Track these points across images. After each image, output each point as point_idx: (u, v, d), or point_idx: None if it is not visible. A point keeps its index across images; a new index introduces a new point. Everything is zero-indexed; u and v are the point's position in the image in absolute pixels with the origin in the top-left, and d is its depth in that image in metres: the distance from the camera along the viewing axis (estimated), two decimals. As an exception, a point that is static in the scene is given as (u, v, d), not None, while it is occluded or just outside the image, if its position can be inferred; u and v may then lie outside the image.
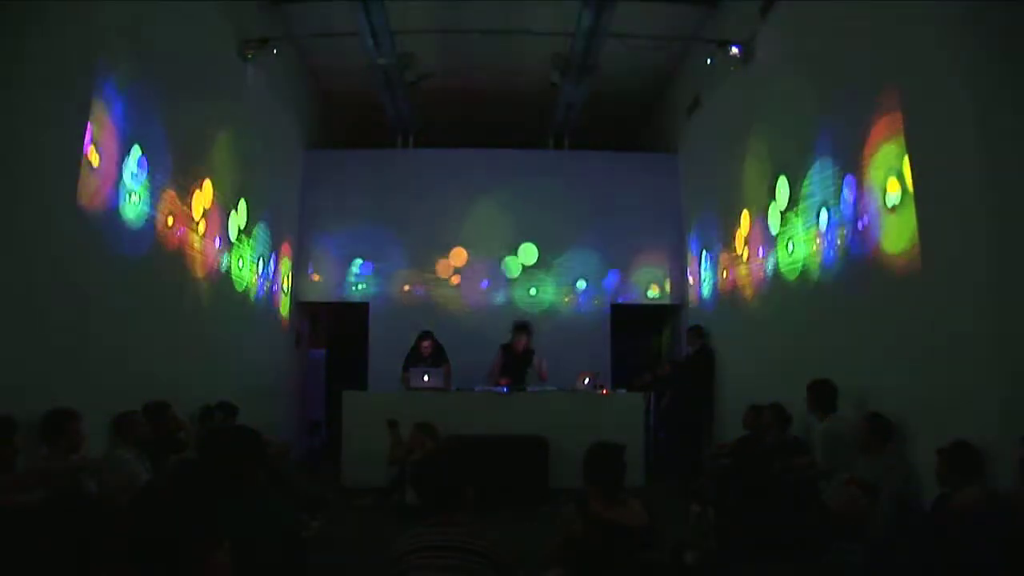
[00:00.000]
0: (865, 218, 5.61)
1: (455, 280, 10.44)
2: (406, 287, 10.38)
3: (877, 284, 5.41)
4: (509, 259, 10.49)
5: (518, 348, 8.60)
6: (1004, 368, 4.12)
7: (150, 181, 5.98)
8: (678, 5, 8.90)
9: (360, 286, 10.42)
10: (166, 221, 6.32)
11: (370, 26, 7.76)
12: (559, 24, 8.29)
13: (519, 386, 8.27)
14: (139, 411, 5.37)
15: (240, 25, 7.84)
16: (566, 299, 10.43)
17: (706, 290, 9.60)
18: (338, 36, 8.58)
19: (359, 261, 10.42)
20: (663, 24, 9.00)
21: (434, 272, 10.43)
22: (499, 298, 10.41)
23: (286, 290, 9.95)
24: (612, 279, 10.52)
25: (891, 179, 5.22)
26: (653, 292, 10.62)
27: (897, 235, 5.16)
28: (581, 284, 10.48)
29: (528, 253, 10.51)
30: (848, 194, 5.88)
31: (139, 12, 5.70)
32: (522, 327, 8.70)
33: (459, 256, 10.47)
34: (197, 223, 6.95)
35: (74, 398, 4.49)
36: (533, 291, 10.40)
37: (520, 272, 10.49)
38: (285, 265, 9.89)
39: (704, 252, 9.67)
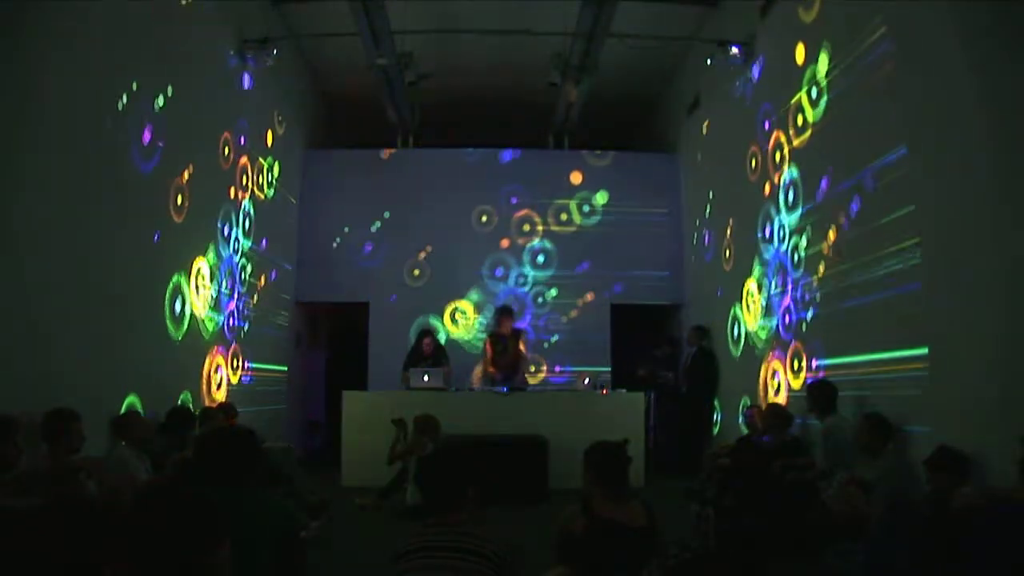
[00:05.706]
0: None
1: (455, 279, 10.43)
2: (406, 286, 10.38)
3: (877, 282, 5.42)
4: (509, 259, 10.49)
5: (504, 332, 8.60)
6: (1004, 368, 4.12)
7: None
8: (678, 5, 8.90)
9: (360, 286, 10.41)
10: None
11: (370, 26, 7.75)
12: (559, 24, 8.28)
13: (511, 377, 8.24)
14: (139, 412, 5.38)
15: (240, 25, 7.84)
16: (566, 299, 10.42)
17: (707, 289, 9.59)
18: (338, 36, 8.58)
19: (359, 260, 10.42)
20: (663, 24, 8.99)
21: (434, 271, 10.42)
22: (499, 297, 10.39)
23: (286, 290, 9.93)
24: (612, 279, 10.51)
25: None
26: (653, 292, 10.61)
27: (898, 234, 5.16)
28: (581, 284, 10.47)
29: (528, 252, 10.51)
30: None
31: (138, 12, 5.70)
32: (506, 311, 8.70)
33: (459, 255, 10.46)
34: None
35: (74, 398, 4.49)
36: (532, 289, 10.40)
37: (520, 271, 10.48)
38: (285, 265, 9.87)
39: (704, 252, 9.65)
